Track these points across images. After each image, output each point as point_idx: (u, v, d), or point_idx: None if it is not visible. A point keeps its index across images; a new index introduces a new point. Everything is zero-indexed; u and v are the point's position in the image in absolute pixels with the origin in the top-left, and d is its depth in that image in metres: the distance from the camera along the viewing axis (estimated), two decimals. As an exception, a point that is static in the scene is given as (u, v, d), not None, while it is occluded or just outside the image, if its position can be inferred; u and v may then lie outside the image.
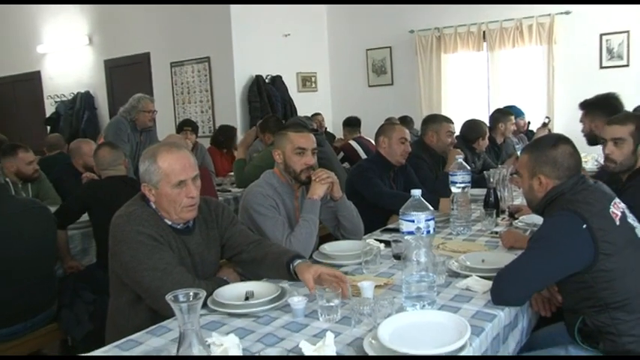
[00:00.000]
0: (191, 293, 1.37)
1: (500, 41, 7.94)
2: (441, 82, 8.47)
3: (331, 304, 1.90)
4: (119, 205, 2.29)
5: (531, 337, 2.25)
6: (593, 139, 3.63)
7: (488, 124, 5.28)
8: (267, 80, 8.07)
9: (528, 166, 2.21)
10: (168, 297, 1.36)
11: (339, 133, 7.84)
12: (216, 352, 1.60)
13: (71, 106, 9.38)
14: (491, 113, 5.82)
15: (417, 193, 2.48)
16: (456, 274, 2.30)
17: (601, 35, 7.39)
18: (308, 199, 2.81)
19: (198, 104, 8.29)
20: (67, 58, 9.65)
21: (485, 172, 3.57)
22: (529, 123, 7.07)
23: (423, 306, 1.93)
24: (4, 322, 2.90)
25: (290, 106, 8.24)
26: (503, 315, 1.94)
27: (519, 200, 3.58)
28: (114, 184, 3.66)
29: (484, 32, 8.08)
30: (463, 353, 1.60)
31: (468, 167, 3.25)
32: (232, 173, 5.77)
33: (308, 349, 1.64)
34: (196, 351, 1.35)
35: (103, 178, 3.83)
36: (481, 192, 3.58)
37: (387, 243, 2.76)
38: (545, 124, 6.42)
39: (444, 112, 6.85)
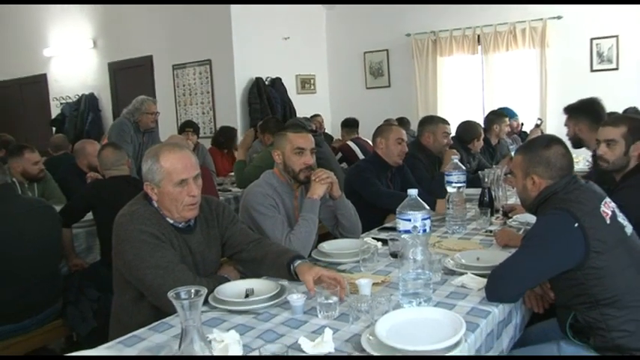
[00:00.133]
0: (192, 290, 1.36)
1: (494, 45, 7.94)
2: (436, 84, 8.47)
3: (330, 301, 1.90)
4: (122, 204, 2.29)
5: (524, 332, 2.25)
6: (577, 143, 3.64)
7: (483, 126, 5.28)
8: (267, 82, 8.06)
9: (522, 167, 2.21)
10: (170, 294, 1.35)
11: (337, 134, 7.84)
12: (217, 348, 1.59)
13: (76, 107, 9.38)
14: (486, 115, 5.82)
15: (413, 192, 2.47)
16: (451, 272, 2.30)
17: (591, 39, 7.42)
18: (308, 198, 2.81)
19: (199, 106, 8.28)
20: (73, 61, 9.65)
21: (480, 172, 3.57)
22: (522, 124, 7.08)
23: (420, 303, 1.93)
24: (11, 318, 2.90)
25: (289, 108, 8.23)
26: (497, 311, 1.94)
27: (513, 200, 3.58)
28: (117, 183, 3.65)
29: (479, 36, 8.09)
30: (458, 349, 1.60)
31: (463, 167, 3.25)
32: (233, 173, 5.77)
33: (307, 345, 1.64)
34: (197, 347, 1.35)
35: (106, 178, 3.83)
36: (476, 192, 3.58)
37: (385, 241, 2.75)
38: (537, 126, 6.44)
39: (440, 114, 6.84)
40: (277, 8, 8.17)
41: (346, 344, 1.69)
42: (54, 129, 9.36)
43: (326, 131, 8.02)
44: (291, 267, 2.17)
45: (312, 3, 8.85)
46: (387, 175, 3.84)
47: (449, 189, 3.17)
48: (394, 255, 2.54)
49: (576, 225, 1.93)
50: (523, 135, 6.71)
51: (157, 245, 2.12)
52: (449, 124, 4.38)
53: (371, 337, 1.66)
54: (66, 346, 3.47)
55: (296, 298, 1.96)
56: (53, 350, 3.33)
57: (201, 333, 1.36)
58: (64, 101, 9.71)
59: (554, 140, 2.23)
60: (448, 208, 3.14)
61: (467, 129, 4.92)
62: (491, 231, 2.99)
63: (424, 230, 2.43)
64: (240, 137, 7.24)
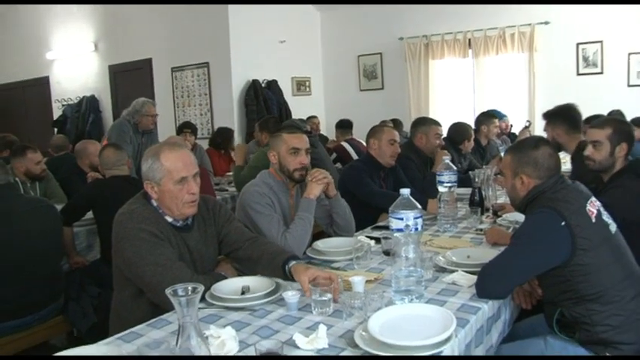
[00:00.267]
0: (190, 288, 1.35)
1: (484, 48, 7.97)
2: (428, 86, 8.50)
3: (324, 298, 1.90)
4: (122, 204, 2.28)
5: (513, 328, 2.26)
6: (556, 147, 3.65)
7: (474, 127, 5.29)
8: (263, 84, 8.05)
9: (511, 167, 2.21)
10: (168, 291, 1.35)
11: (331, 135, 7.84)
12: (213, 344, 1.59)
13: (77, 109, 9.35)
14: (476, 117, 5.83)
15: (405, 192, 2.47)
16: (442, 270, 2.30)
17: (577, 44, 7.47)
18: (304, 198, 2.80)
19: (197, 107, 8.26)
20: (74, 63, 9.62)
21: (470, 172, 3.58)
22: (511, 126, 7.10)
23: (412, 299, 1.93)
24: (14, 314, 2.89)
25: (285, 109, 8.22)
26: (487, 308, 1.95)
27: (503, 199, 3.59)
28: (118, 183, 3.64)
29: (469, 40, 8.12)
30: (449, 344, 1.60)
31: (455, 168, 3.25)
32: (230, 173, 5.76)
33: (301, 341, 1.64)
34: (195, 343, 1.34)
35: (107, 178, 3.81)
36: (467, 191, 3.59)
37: (378, 240, 2.75)
38: (526, 127, 6.45)
39: (432, 116, 6.86)
40: (273, 12, 8.17)
41: (340, 340, 1.69)
42: (55, 130, 9.33)
43: (321, 132, 8.02)
44: (286, 267, 2.17)
45: (306, 3, 8.83)
46: (380, 175, 3.84)
47: (440, 189, 3.17)
48: (387, 253, 2.54)
49: (563, 223, 1.94)
50: (512, 136, 6.73)
51: (156, 243, 2.12)
52: (441, 126, 4.38)
53: (364, 333, 1.65)
54: (67, 342, 3.46)
55: (291, 295, 1.95)
56: (54, 346, 3.32)
57: (198, 329, 1.36)
58: (65, 103, 9.69)
59: (542, 141, 2.25)
60: (440, 208, 3.14)
61: (458, 130, 4.93)
62: (481, 229, 3.00)
63: (416, 229, 2.42)
64: (237, 138, 7.30)
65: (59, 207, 3.51)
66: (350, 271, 2.36)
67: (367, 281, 2.12)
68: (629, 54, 7.21)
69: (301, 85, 8.98)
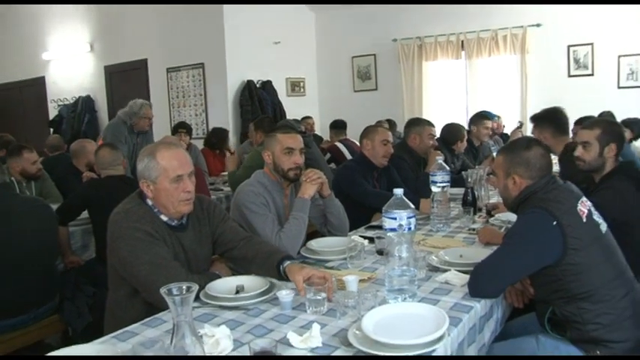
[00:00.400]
0: (184, 287, 1.35)
1: (477, 50, 8.00)
2: (422, 87, 8.52)
3: (318, 297, 1.89)
4: (117, 203, 2.27)
5: (505, 326, 2.26)
6: (547, 148, 3.66)
7: (466, 128, 5.30)
8: (258, 85, 8.05)
9: (503, 167, 2.22)
10: (163, 290, 1.34)
11: (325, 136, 7.83)
12: (208, 342, 1.58)
13: (73, 109, 9.33)
14: (470, 118, 5.84)
15: (399, 192, 2.47)
16: (435, 269, 2.30)
17: (568, 46, 7.51)
18: (298, 198, 2.79)
19: (192, 107, 8.25)
20: (70, 64, 9.59)
21: (463, 172, 3.58)
22: (504, 127, 7.12)
23: (405, 299, 1.93)
24: (9, 314, 2.87)
25: (279, 110, 8.22)
26: (479, 307, 1.95)
27: (495, 199, 3.59)
28: (113, 183, 3.63)
29: (462, 42, 8.14)
30: (442, 343, 1.60)
31: (448, 168, 3.25)
32: (224, 173, 5.74)
33: (295, 340, 1.64)
34: (189, 341, 1.33)
35: (102, 177, 3.80)
36: (459, 191, 3.59)
37: (371, 239, 2.75)
38: (518, 128, 6.47)
39: (425, 116, 6.85)
40: (268, 13, 8.17)
41: (333, 339, 1.69)
42: (51, 130, 9.30)
43: (315, 132, 8.02)
44: (281, 267, 2.16)
45: (301, 3, 8.83)
46: (373, 175, 3.84)
47: (433, 189, 3.17)
48: (380, 252, 2.54)
49: (554, 223, 1.94)
50: (505, 137, 6.74)
51: (151, 242, 2.11)
52: (434, 126, 4.39)
53: (357, 332, 1.65)
54: (62, 341, 3.44)
55: (285, 294, 1.95)
56: (49, 345, 3.30)
57: (192, 328, 1.35)
58: (61, 103, 9.67)
59: (534, 142, 2.25)
60: (433, 207, 3.15)
61: (451, 131, 4.94)
62: (474, 229, 3.00)
63: (409, 228, 2.43)
64: (232, 138, 7.31)
65: (55, 207, 3.49)
66: (344, 271, 2.35)
67: (361, 280, 2.12)
68: (619, 56, 7.25)
69: (296, 86, 8.98)
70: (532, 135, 3.84)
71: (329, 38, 9.25)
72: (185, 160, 2.22)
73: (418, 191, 3.57)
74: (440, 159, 3.28)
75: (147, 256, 2.07)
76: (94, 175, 4.28)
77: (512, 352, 2.12)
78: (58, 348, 1.67)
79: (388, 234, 2.35)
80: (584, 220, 2.01)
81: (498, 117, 7.01)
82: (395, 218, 2.41)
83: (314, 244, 2.71)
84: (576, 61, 7.49)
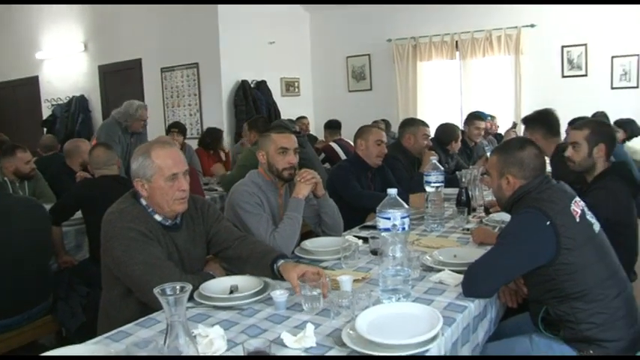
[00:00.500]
0: (178, 287, 1.34)
1: (471, 50, 8.02)
2: (416, 87, 8.53)
3: (314, 292, 1.89)
4: (111, 203, 2.26)
5: (499, 326, 2.26)
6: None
7: (461, 128, 5.31)
8: (252, 85, 8.04)
9: (497, 167, 2.22)
10: (156, 290, 1.34)
11: (320, 135, 7.83)
12: (202, 342, 1.58)
13: (67, 109, 9.29)
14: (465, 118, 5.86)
15: (392, 192, 2.47)
16: (429, 269, 2.30)
17: (562, 47, 7.55)
18: (293, 198, 2.80)
19: (187, 107, 8.23)
20: (64, 63, 9.56)
21: (457, 172, 3.59)
22: (498, 127, 7.14)
23: (399, 298, 1.93)
24: (2, 314, 2.86)
25: (274, 110, 8.21)
26: (473, 306, 1.95)
27: (489, 199, 3.60)
28: (107, 183, 3.61)
29: (457, 42, 8.16)
30: (435, 342, 1.60)
31: (442, 168, 3.26)
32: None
33: (289, 340, 1.63)
34: (183, 342, 1.33)
35: (96, 177, 3.78)
36: (454, 191, 3.59)
37: (365, 239, 2.75)
38: (512, 128, 6.49)
39: (420, 116, 6.86)
40: (263, 13, 8.16)
41: (327, 339, 1.69)
42: (45, 129, 9.26)
43: (309, 132, 8.02)
44: (275, 266, 2.16)
45: (296, 3, 8.82)
46: (367, 175, 3.84)
47: (428, 189, 3.17)
48: (374, 252, 2.54)
49: (548, 223, 1.95)
50: (498, 137, 6.76)
51: (145, 242, 2.11)
52: (428, 127, 4.40)
53: (351, 332, 1.65)
54: (55, 341, 3.43)
55: (279, 294, 1.94)
56: (43, 345, 3.29)
57: (186, 328, 1.35)
58: (55, 103, 9.63)
59: (527, 142, 2.26)
60: (427, 207, 3.15)
61: (445, 131, 4.95)
62: (468, 229, 3.00)
63: (403, 228, 2.42)
64: (226, 138, 7.29)
65: (48, 206, 3.48)
66: (338, 271, 2.35)
67: (355, 280, 2.12)
68: (613, 57, 7.29)
69: (290, 86, 8.97)
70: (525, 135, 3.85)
71: (323, 38, 9.25)
72: (180, 159, 2.22)
73: (412, 191, 3.58)
74: (434, 159, 3.28)
75: (141, 256, 2.07)
76: (87, 174, 4.26)
77: (506, 351, 2.13)
78: (51, 348, 1.66)
79: (382, 234, 2.34)
80: (578, 220, 2.02)
81: (492, 117, 7.04)
82: (389, 218, 2.41)
83: (308, 244, 2.71)
84: (570, 61, 7.52)
